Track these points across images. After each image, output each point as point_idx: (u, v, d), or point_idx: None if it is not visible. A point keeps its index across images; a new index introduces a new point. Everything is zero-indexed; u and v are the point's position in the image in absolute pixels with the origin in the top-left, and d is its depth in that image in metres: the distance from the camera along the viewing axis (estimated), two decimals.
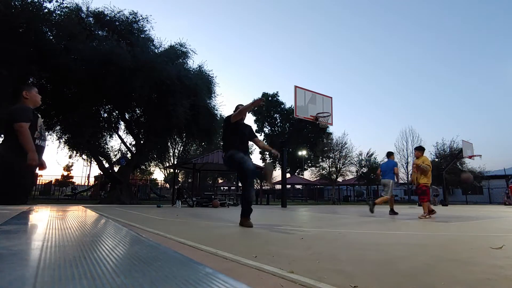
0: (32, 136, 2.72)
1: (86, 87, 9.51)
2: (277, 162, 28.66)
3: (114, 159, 14.27)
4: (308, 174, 35.80)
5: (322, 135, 30.79)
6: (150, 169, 27.60)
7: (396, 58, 77.35)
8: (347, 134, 30.39)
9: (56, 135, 11.56)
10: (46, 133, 11.51)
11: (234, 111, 3.77)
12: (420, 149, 6.13)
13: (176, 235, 2.52)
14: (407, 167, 30.09)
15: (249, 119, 43.22)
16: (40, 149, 2.86)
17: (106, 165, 13.02)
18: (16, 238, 0.69)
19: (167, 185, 31.80)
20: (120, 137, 13.38)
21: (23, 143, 2.62)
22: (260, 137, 42.14)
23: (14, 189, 2.83)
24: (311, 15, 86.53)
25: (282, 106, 41.06)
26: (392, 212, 6.59)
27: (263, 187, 23.39)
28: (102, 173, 14.20)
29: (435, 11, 73.08)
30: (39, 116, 2.96)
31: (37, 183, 19.95)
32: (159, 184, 28.65)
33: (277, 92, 41.89)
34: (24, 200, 3.01)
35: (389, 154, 7.38)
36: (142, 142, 12.89)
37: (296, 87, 10.58)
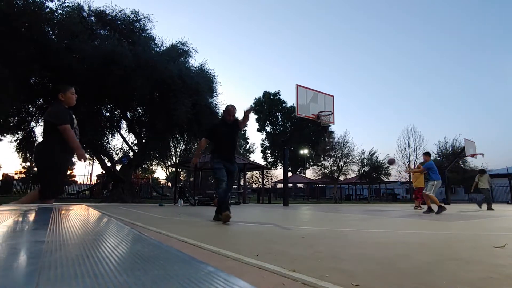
0: None
1: (88, 86, 9.52)
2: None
3: (116, 158, 14.30)
4: (310, 173, 35.79)
5: (324, 134, 30.73)
6: (152, 168, 27.64)
7: (398, 56, 77.00)
8: (348, 133, 30.28)
9: None
10: None
11: (224, 111, 4.04)
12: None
13: (178, 233, 2.53)
14: (409, 165, 30.03)
15: (251, 118, 43.08)
16: None
17: (108, 164, 13.06)
18: (18, 236, 0.69)
19: (169, 184, 31.90)
20: (122, 136, 13.41)
21: (70, 142, 2.94)
22: (262, 136, 42.23)
23: (56, 184, 3.09)
24: (312, 12, 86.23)
25: (284, 104, 41.06)
26: (430, 209, 6.60)
27: (264, 186, 23.36)
28: (104, 172, 14.25)
29: (440, 5, 72.48)
30: (74, 116, 3.24)
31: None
32: (161, 183, 28.71)
33: (279, 90, 41.96)
34: (56, 196, 3.22)
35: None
36: (144, 141, 12.91)
37: (297, 85, 10.56)
